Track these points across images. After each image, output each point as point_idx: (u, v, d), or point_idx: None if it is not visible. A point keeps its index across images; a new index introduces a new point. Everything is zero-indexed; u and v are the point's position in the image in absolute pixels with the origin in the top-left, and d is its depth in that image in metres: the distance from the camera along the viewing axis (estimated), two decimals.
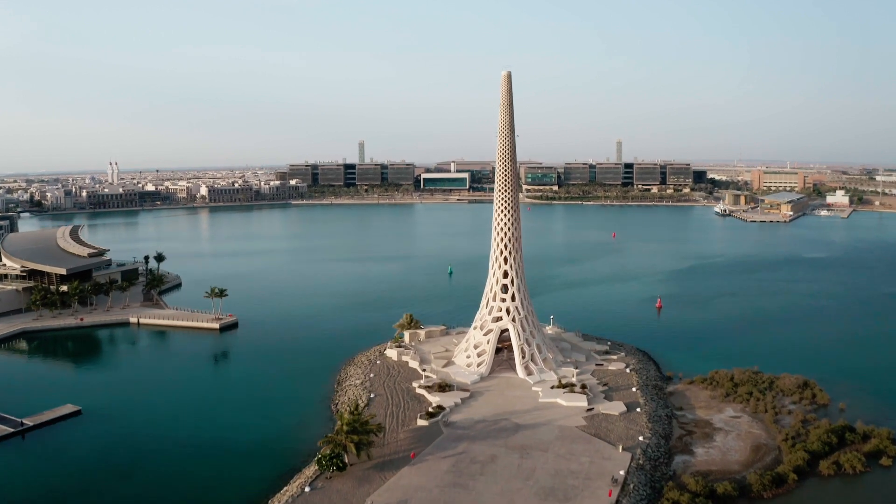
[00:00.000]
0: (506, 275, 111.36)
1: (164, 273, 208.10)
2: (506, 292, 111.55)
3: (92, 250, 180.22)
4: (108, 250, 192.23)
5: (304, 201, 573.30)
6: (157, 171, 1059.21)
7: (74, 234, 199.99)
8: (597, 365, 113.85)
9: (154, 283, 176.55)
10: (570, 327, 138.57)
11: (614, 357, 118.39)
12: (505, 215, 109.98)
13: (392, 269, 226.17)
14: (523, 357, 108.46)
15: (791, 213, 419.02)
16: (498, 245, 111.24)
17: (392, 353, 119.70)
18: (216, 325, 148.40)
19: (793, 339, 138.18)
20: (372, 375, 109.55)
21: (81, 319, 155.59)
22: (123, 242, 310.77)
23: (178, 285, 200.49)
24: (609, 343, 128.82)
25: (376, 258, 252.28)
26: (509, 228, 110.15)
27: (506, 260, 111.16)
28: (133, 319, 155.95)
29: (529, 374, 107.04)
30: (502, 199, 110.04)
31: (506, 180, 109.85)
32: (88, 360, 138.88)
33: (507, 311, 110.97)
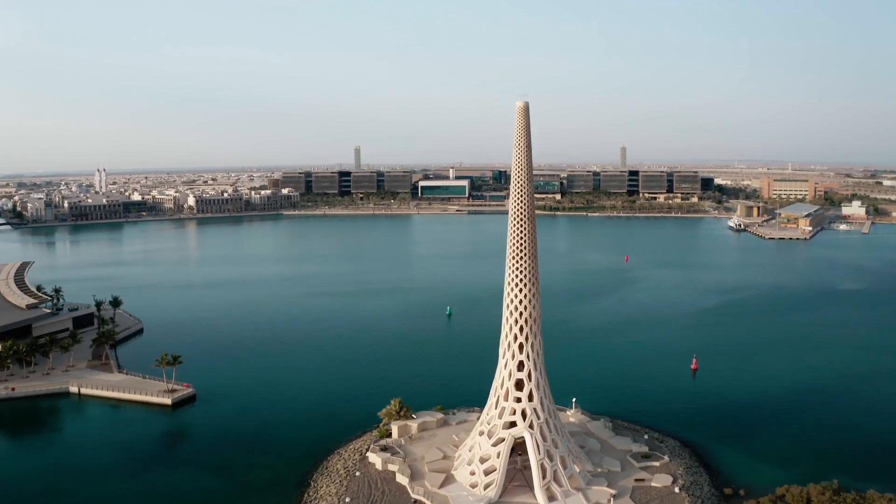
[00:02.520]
0: (521, 367, 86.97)
1: (124, 313, 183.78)
2: (521, 389, 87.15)
3: (31, 300, 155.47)
4: (50, 299, 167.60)
5: (296, 212, 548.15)
6: (146, 177, 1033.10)
7: (20, 276, 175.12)
8: (636, 480, 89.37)
9: (104, 338, 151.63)
10: (593, 402, 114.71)
11: (656, 464, 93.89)
12: (521, 289, 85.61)
13: (384, 308, 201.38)
14: (544, 477, 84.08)
15: (809, 227, 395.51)
16: (511, 329, 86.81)
17: (376, 458, 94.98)
18: (168, 401, 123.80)
19: (863, 423, 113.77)
20: (348, 500, 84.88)
21: (13, 389, 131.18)
22: (96, 266, 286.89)
23: (140, 331, 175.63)
24: (646, 436, 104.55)
25: (367, 291, 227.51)
26: (526, 307, 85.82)
27: (521, 348, 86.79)
28: (74, 388, 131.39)
29: (552, 498, 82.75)
30: (517, 268, 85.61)
31: (522, 244, 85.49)
32: (8, 446, 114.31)
33: (524, 415, 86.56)
